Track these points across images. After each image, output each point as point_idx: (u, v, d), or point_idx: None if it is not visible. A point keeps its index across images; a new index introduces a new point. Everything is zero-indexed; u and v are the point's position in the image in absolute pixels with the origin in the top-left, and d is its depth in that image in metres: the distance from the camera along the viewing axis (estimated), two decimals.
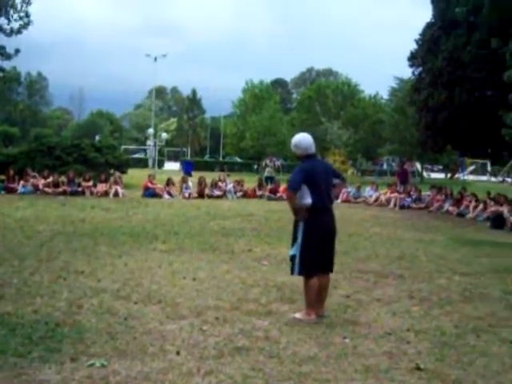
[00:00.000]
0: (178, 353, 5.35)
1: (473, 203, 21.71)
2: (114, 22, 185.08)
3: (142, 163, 61.45)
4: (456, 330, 6.44)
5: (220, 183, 25.82)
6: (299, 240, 6.65)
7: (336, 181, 7.03)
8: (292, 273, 6.84)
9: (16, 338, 5.57)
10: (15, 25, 32.40)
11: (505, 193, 22.72)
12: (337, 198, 23.87)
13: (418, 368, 5.20)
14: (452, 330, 6.43)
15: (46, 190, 22.94)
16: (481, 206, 21.24)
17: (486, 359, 5.56)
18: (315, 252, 6.60)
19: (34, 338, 5.57)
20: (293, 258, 6.76)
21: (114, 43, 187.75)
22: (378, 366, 5.22)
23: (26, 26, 32.62)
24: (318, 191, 6.63)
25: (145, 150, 76.78)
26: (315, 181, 6.65)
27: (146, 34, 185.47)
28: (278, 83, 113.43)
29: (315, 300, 6.63)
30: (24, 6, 32.36)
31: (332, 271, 6.89)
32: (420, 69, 29.92)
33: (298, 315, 6.63)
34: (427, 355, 5.58)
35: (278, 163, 45.98)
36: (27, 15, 32.64)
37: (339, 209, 21.18)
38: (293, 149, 7.01)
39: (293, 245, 6.80)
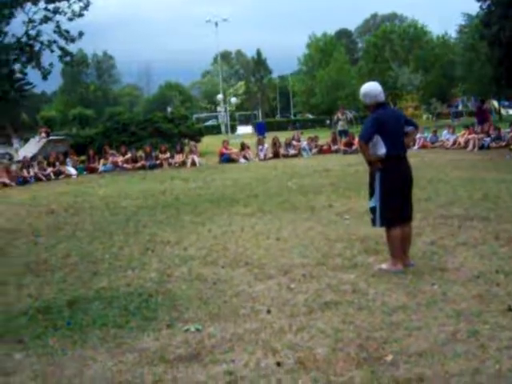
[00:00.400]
0: (268, 312, 5.47)
1: None
2: None
3: (215, 130, 62.05)
4: None
5: (294, 142, 25.78)
6: (377, 191, 6.60)
7: (408, 128, 6.88)
8: (373, 224, 6.81)
9: (113, 310, 5.83)
10: (75, 7, 32.90)
11: None
12: (414, 144, 23.51)
13: (510, 309, 5.13)
14: None
15: (126, 166, 23.55)
16: None
17: None
18: (395, 201, 6.54)
19: (131, 309, 5.82)
20: (373, 209, 6.71)
21: (170, 14, 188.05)
22: (470, 310, 5.19)
23: (86, 7, 33.09)
24: (391, 140, 6.54)
25: (216, 117, 77.26)
26: (388, 129, 6.55)
27: (198, 2, 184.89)
28: (343, 34, 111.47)
29: (400, 250, 6.60)
30: None
31: (411, 219, 6.83)
32: (488, 1, 28.84)
33: (384, 266, 6.64)
34: None
35: (351, 115, 45.51)
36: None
37: (417, 155, 20.95)
38: (362, 98, 6.89)
39: (371, 196, 6.75)
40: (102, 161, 23.76)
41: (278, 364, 4.33)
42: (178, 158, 24.21)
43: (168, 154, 24.24)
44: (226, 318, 5.42)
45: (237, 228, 9.57)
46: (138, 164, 23.59)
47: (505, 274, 6.18)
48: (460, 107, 66.48)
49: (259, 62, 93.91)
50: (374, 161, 6.63)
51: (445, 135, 25.91)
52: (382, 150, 6.56)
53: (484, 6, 29.73)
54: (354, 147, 25.21)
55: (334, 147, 26.31)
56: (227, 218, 10.56)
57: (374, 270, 6.62)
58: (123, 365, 4.53)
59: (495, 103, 59.35)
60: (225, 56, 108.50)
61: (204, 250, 8.20)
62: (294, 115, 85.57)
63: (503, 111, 61.41)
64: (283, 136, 28.05)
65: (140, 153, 24.43)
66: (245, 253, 7.84)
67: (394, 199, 6.54)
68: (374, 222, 6.79)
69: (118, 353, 4.78)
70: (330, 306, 5.52)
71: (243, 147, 24.89)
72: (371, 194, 6.76)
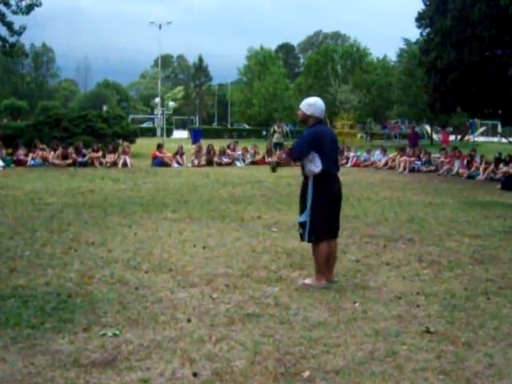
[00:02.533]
0: (188, 320, 5.39)
1: (483, 165, 21.62)
2: None
3: (151, 132, 61.46)
4: (466, 293, 6.44)
5: (229, 150, 25.77)
6: (309, 206, 6.60)
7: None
8: (302, 239, 6.79)
9: (29, 309, 5.62)
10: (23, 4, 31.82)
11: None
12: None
13: (428, 331, 5.22)
14: (462, 293, 6.43)
15: (56, 161, 22.99)
16: (491, 167, 21.15)
17: (497, 321, 5.56)
18: (324, 217, 6.58)
19: (47, 310, 5.62)
20: (302, 224, 6.69)
21: (114, 12, 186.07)
22: (388, 330, 5.24)
23: (34, 6, 32.08)
24: (327, 157, 6.57)
25: (153, 119, 76.65)
26: (325, 146, 6.58)
27: (143, 0, 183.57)
28: (285, 48, 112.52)
29: (325, 265, 6.63)
30: None
31: (337, 236, 6.87)
32: (428, 29, 29.54)
33: (307, 281, 6.65)
34: (437, 318, 5.59)
35: (287, 129, 45.91)
36: None
37: (349, 173, 21.25)
38: (305, 107, 6.77)
39: (302, 211, 6.73)
40: (31, 154, 23.14)
41: (195, 374, 4.26)
42: (110, 157, 23.80)
43: (100, 153, 23.82)
44: (145, 324, 5.32)
45: (164, 233, 9.45)
46: (69, 161, 23.06)
47: (425, 296, 6.28)
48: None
49: (200, 68, 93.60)
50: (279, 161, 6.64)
51: (377, 155, 26.42)
52: (318, 167, 6.54)
53: (423, 33, 30.45)
54: None
55: (268, 159, 26.39)
56: (155, 222, 10.41)
57: (297, 284, 6.61)
58: (34, 367, 4.36)
59: (428, 128, 60.86)
60: (166, 59, 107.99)
61: (128, 253, 8.05)
62: (231, 124, 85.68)
63: (435, 136, 63.03)
64: (219, 144, 28.01)
65: (71, 149, 23.90)
66: (170, 259, 7.73)
67: (324, 215, 6.58)
68: (302, 237, 6.76)
69: (29, 354, 4.60)
70: (251, 319, 5.48)
71: (178, 151, 24.70)
72: (302, 209, 6.74)
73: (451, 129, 72.68)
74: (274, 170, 7.60)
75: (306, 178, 6.75)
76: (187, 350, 4.74)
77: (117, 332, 5.08)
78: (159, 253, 8.07)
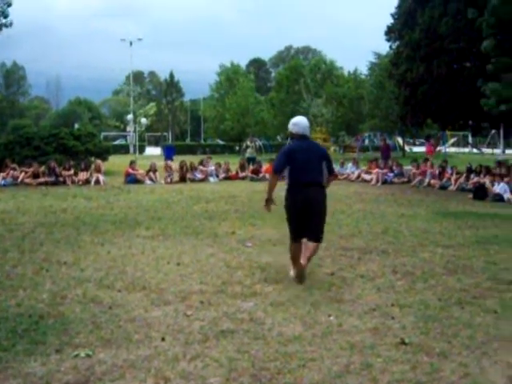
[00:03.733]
0: (163, 339, 5.34)
1: (454, 175, 21.84)
2: (79, 5, 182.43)
3: (123, 149, 61.22)
4: (440, 303, 6.48)
5: (201, 166, 25.71)
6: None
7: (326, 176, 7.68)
8: None
9: (0, 332, 5.53)
10: None
11: (486, 164, 22.88)
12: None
13: (403, 342, 5.22)
14: (436, 303, 6.47)
15: (27, 181, 22.74)
16: (463, 177, 21.37)
17: (471, 330, 5.60)
18: (293, 223, 7.49)
19: (18, 331, 5.53)
20: None
21: (84, 29, 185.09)
22: (363, 343, 5.24)
23: (3, 26, 31.85)
24: (296, 170, 7.35)
25: (125, 137, 76.37)
26: (295, 161, 7.34)
27: (113, 16, 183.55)
28: (256, 63, 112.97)
29: (295, 260, 7.39)
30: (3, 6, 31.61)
31: (315, 240, 7.41)
32: (397, 43, 29.92)
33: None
34: (412, 329, 5.61)
35: (260, 143, 46.00)
36: (5, 16, 31.89)
37: None
38: (290, 126, 7.67)
39: None
40: (1, 174, 22.87)
41: None
42: (83, 175, 23.62)
43: (72, 171, 23.62)
44: (118, 343, 5.25)
45: (137, 251, 9.37)
46: (40, 180, 22.83)
47: (400, 307, 6.30)
48: (366, 142, 68.21)
49: (171, 84, 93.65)
50: (268, 197, 7.66)
51: (350, 168, 26.54)
52: (288, 180, 7.43)
53: (393, 47, 30.82)
54: (261, 175, 25.49)
55: (241, 174, 26.44)
56: (128, 240, 10.32)
57: (272, 299, 6.59)
58: None
59: (400, 140, 61.37)
60: (137, 76, 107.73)
61: (101, 272, 7.96)
62: (204, 140, 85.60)
63: (407, 148, 63.55)
64: (192, 160, 27.91)
65: (43, 168, 23.66)
66: (143, 277, 7.66)
67: (292, 221, 7.50)
68: None
69: (0, 378, 4.52)
70: (226, 335, 5.45)
71: (151, 168, 24.58)
72: None
73: (423, 140, 73.36)
74: (268, 207, 7.79)
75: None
76: (161, 368, 4.69)
77: (90, 352, 5.01)
78: (132, 271, 8.00)
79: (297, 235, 7.45)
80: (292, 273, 7.55)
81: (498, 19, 19.60)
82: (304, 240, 7.42)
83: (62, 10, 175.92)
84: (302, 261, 7.29)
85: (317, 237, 7.46)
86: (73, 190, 20.19)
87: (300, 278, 7.34)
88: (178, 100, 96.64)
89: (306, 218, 7.40)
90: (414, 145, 75.41)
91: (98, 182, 22.99)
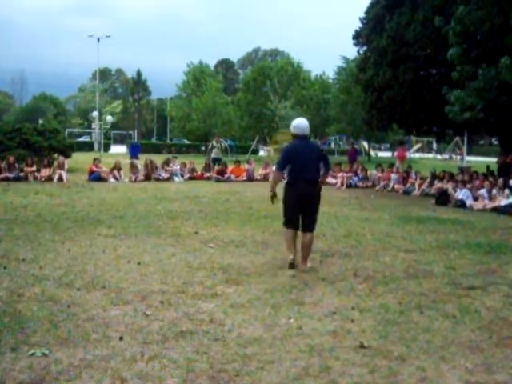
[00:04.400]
0: (121, 338, 5.28)
1: (418, 181, 22.06)
2: (46, 1, 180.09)
3: (88, 147, 60.58)
4: (400, 307, 6.51)
5: (166, 166, 25.57)
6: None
7: (321, 170, 8.61)
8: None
9: None
10: None
11: (449, 170, 23.16)
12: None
13: (362, 346, 5.24)
14: (396, 307, 6.50)
15: None
16: (426, 183, 21.59)
17: (429, 335, 5.64)
18: (287, 213, 8.49)
19: None
20: None
21: (50, 25, 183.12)
22: (323, 345, 5.24)
23: None
24: (295, 167, 8.33)
25: (90, 134, 75.60)
26: (295, 158, 8.35)
27: (81, 12, 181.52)
28: (225, 63, 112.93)
29: (290, 246, 8.40)
30: None
31: (309, 230, 8.41)
32: (365, 48, 30.11)
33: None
34: (371, 333, 5.63)
35: (226, 144, 45.90)
36: None
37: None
38: (291, 128, 8.67)
39: None
40: None
41: None
42: (45, 172, 23.27)
43: (34, 168, 23.27)
44: (75, 343, 5.17)
45: (98, 249, 9.25)
46: (1, 175, 22.44)
47: (360, 311, 6.31)
48: (332, 145, 68.69)
49: (139, 83, 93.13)
50: (273, 192, 8.55)
51: None
52: (287, 177, 8.50)
53: (361, 52, 31.03)
54: (226, 175, 25.45)
55: (206, 174, 26.36)
56: (89, 239, 10.19)
57: (233, 300, 6.56)
58: None
59: (365, 144, 61.88)
60: (104, 73, 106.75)
61: (61, 270, 7.85)
62: (170, 139, 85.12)
63: (372, 152, 64.12)
64: (157, 159, 27.74)
65: (3, 164, 23.26)
66: (103, 276, 7.57)
67: (287, 211, 8.49)
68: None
69: None
70: (185, 336, 5.40)
71: (115, 166, 24.35)
72: None
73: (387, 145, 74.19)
74: (273, 200, 8.64)
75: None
76: (118, 368, 4.64)
77: (46, 351, 4.93)
78: (92, 270, 7.90)
79: (290, 223, 8.45)
80: (289, 257, 8.35)
81: (464, 28, 19.84)
82: (300, 236, 8.44)
83: (27, 5, 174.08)
84: (302, 264, 8.27)
85: (310, 227, 8.45)
86: (35, 187, 19.89)
87: (292, 266, 8.23)
88: (145, 98, 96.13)
89: (300, 210, 8.40)
90: (380, 150, 76.14)
91: (60, 179, 22.66)
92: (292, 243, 8.42)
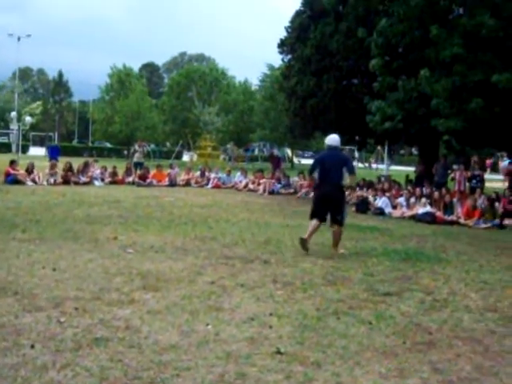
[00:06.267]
0: (32, 346, 5.11)
1: None
2: None
3: (5, 148, 58.93)
4: (317, 313, 6.56)
5: (87, 169, 25.06)
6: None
7: (345, 174, 10.58)
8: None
9: None
10: None
11: (369, 178, 23.61)
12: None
13: (279, 352, 5.24)
14: (313, 313, 6.55)
15: None
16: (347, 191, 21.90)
17: (345, 340, 5.69)
18: (314, 208, 10.84)
19: None
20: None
21: None
22: (240, 352, 5.22)
23: None
24: (320, 172, 10.65)
25: (8, 135, 73.47)
26: (322, 165, 10.64)
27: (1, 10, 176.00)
28: (150, 67, 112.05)
29: (310, 232, 10.51)
30: None
31: (336, 223, 10.58)
32: (289, 56, 30.44)
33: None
34: (288, 339, 5.64)
35: (148, 148, 45.47)
36: None
37: (209, 195, 21.36)
38: (325, 141, 11.01)
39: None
40: None
41: None
42: None
43: None
44: None
45: (11, 254, 8.94)
46: None
47: (278, 317, 6.33)
48: (256, 152, 69.02)
49: (60, 84, 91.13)
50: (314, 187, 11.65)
51: (238, 177, 26.69)
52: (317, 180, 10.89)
53: (285, 60, 31.36)
54: (148, 180, 25.18)
55: (127, 178, 25.99)
56: (2, 243, 9.81)
57: (150, 306, 6.46)
58: None
59: (289, 151, 62.48)
60: (25, 72, 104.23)
61: None
62: (92, 142, 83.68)
63: (296, 160, 64.78)
64: (78, 162, 27.12)
65: None
66: (16, 281, 7.31)
67: (313, 207, 10.90)
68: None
69: None
70: (100, 343, 5.28)
71: (29, 169, 23.61)
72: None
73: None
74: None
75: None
76: (29, 377, 4.49)
77: None
78: (5, 275, 7.63)
79: (313, 216, 10.69)
80: (305, 236, 10.44)
81: (386, 40, 20.33)
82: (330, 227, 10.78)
83: None
84: (333, 249, 10.59)
85: (336, 221, 10.53)
86: None
87: (303, 242, 10.36)
88: (66, 100, 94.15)
89: (325, 207, 10.59)
90: (304, 157, 77.00)
91: None
92: (312, 230, 10.49)
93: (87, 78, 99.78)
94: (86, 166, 25.38)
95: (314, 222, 10.57)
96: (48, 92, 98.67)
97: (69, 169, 24.35)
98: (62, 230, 11.61)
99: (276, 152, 36.19)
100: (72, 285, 7.30)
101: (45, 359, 4.86)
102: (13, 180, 22.50)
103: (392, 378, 4.85)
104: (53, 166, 24.37)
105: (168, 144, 73.98)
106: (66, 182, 23.63)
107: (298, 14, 29.16)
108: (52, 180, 23.38)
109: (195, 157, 49.68)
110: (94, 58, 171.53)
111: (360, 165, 67.13)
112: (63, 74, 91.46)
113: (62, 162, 27.64)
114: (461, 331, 6.21)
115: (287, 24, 30.36)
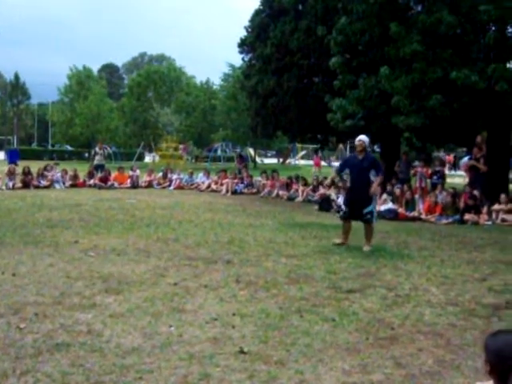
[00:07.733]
0: None
1: (301, 187, 22.46)
2: None
3: None
4: (280, 312, 6.57)
5: (47, 172, 24.73)
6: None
7: (372, 177, 11.10)
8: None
9: None
10: None
11: (331, 176, 23.72)
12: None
13: (242, 351, 5.24)
14: (277, 312, 6.55)
15: None
16: (309, 189, 22.03)
17: (309, 338, 5.71)
18: (346, 207, 11.41)
19: None
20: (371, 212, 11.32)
21: None
22: (203, 352, 5.21)
23: None
24: (351, 174, 11.30)
25: None
26: (351, 167, 11.40)
27: None
28: (109, 68, 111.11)
29: (344, 233, 11.46)
30: None
31: (364, 221, 11.23)
32: (250, 55, 30.43)
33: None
34: (251, 338, 5.64)
35: (109, 150, 45.08)
36: None
37: (172, 196, 21.26)
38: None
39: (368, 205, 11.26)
40: None
41: None
42: None
43: None
44: None
45: None
46: None
47: (241, 317, 6.32)
48: (219, 152, 68.92)
49: (17, 86, 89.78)
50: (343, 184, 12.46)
51: (200, 178, 26.61)
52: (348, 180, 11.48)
53: (246, 59, 31.34)
54: (109, 183, 24.96)
55: (89, 181, 25.71)
56: None
57: (112, 310, 6.40)
58: None
59: (251, 151, 62.50)
60: None
61: None
62: (53, 145, 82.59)
63: (258, 159, 64.84)
64: (38, 165, 26.76)
65: None
66: None
67: (345, 206, 11.44)
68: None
69: None
70: (61, 348, 5.21)
71: None
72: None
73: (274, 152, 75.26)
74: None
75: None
76: None
77: None
78: None
79: (345, 218, 11.40)
80: (336, 240, 11.49)
81: (345, 38, 20.45)
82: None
83: None
84: (365, 245, 11.02)
85: (365, 219, 11.13)
86: None
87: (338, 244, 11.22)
88: (24, 103, 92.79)
89: (355, 208, 11.10)
90: (266, 156, 77.14)
91: None
92: (345, 233, 11.38)
93: (45, 80, 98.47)
94: (46, 169, 25.03)
95: (346, 225, 11.42)
96: (5, 95, 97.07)
97: (28, 172, 23.97)
98: (21, 234, 11.44)
99: (243, 153, 36.25)
100: (32, 290, 7.19)
101: (4, 366, 4.78)
102: None
103: (355, 374, 4.88)
104: (11, 170, 23.94)
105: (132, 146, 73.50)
106: (25, 185, 23.27)
107: (257, 12, 29.15)
108: (11, 184, 22.98)
109: (157, 158, 49.43)
110: (52, 58, 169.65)
111: (323, 163, 67.50)
112: (19, 76, 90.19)
113: (22, 165, 27.23)
114: (423, 326, 6.28)
115: (247, 23, 30.37)
